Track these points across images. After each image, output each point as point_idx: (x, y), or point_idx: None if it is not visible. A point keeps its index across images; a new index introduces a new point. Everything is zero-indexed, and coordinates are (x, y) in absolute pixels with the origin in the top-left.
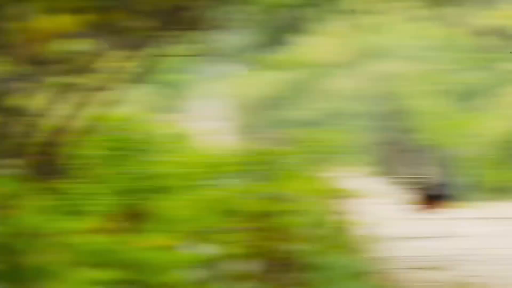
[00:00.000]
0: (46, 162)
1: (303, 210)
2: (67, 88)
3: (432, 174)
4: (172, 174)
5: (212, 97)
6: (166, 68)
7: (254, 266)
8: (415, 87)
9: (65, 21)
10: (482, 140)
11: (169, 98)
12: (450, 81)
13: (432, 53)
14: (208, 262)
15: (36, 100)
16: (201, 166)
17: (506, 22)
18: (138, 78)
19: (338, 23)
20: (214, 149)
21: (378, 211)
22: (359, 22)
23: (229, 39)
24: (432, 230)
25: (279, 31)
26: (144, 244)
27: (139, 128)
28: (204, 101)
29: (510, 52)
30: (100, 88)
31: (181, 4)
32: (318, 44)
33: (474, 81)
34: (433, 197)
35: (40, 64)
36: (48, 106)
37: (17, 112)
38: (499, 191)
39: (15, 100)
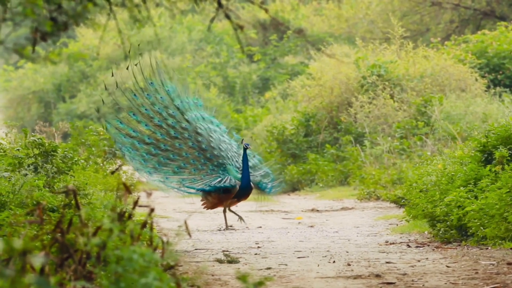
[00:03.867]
0: None
1: (96, 203)
2: None
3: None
4: None
5: None
6: None
7: (47, 259)
8: (190, 79)
9: None
10: (261, 134)
11: None
12: (224, 74)
13: (203, 46)
14: None
15: None
16: None
17: (280, 16)
18: None
19: (111, 16)
20: None
21: (171, 205)
22: (132, 15)
23: None
24: (226, 223)
25: (51, 23)
26: None
27: None
28: None
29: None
30: None
31: None
32: (93, 37)
33: (249, 74)
34: (223, 191)
35: None
36: None
37: None
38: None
39: None
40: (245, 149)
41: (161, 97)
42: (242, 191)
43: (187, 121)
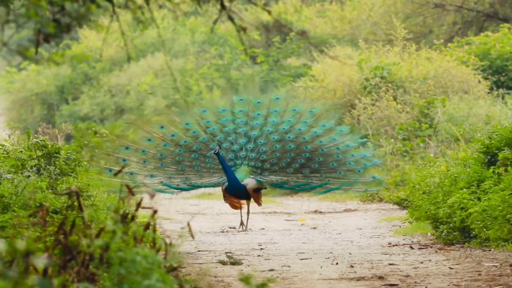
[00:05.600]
0: None
1: (99, 205)
2: None
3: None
4: None
5: None
6: None
7: (50, 260)
8: (194, 81)
9: None
10: None
11: None
12: (227, 76)
13: (206, 48)
14: None
15: None
16: None
17: (283, 17)
18: None
19: (114, 18)
20: None
21: (174, 206)
22: (135, 17)
23: None
24: (229, 224)
25: (55, 25)
26: None
27: None
28: None
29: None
30: None
31: None
32: (96, 39)
33: (252, 76)
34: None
35: None
36: None
37: None
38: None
39: None
40: (217, 153)
41: (240, 120)
42: (230, 192)
43: (252, 128)
